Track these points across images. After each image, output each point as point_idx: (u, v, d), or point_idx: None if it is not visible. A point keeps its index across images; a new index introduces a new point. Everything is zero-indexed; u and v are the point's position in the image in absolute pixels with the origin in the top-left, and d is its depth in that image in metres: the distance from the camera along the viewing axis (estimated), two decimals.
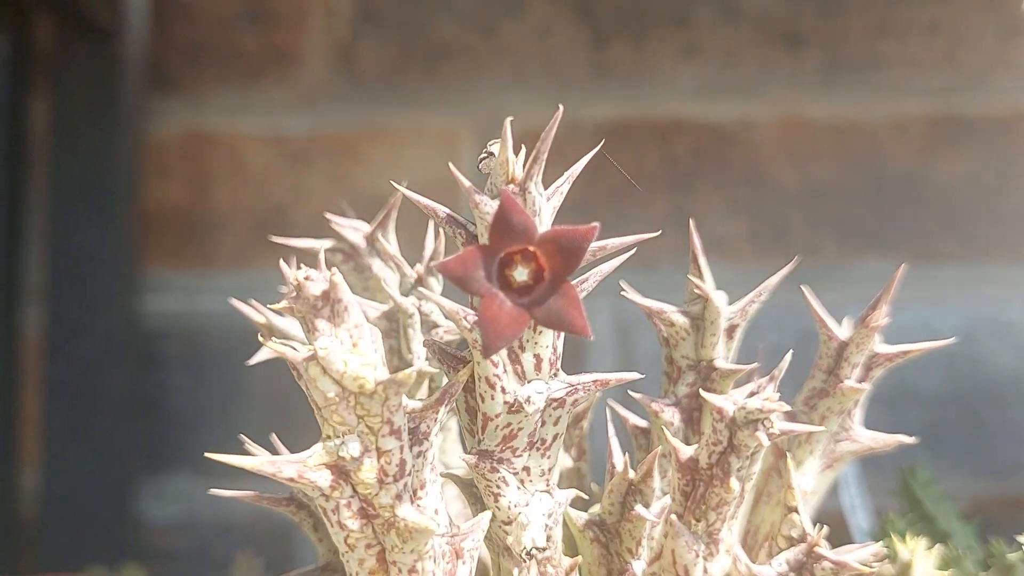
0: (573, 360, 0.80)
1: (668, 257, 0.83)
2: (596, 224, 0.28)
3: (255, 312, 0.40)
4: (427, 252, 0.39)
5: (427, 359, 0.38)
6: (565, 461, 0.42)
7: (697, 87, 0.85)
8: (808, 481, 0.40)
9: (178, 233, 0.87)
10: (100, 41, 0.82)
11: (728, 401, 0.31)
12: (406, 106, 0.87)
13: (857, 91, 0.85)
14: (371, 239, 0.41)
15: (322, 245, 0.41)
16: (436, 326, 0.39)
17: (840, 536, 0.56)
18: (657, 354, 0.40)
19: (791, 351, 0.33)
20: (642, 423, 0.41)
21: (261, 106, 0.87)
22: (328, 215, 0.40)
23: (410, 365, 0.39)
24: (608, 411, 0.39)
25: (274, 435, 0.39)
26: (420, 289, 0.33)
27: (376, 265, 0.41)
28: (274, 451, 0.38)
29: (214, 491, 0.35)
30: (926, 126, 0.85)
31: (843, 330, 0.40)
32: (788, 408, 0.31)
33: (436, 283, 0.39)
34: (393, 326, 0.39)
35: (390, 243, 0.41)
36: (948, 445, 0.83)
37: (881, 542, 0.36)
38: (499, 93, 0.87)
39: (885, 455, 0.42)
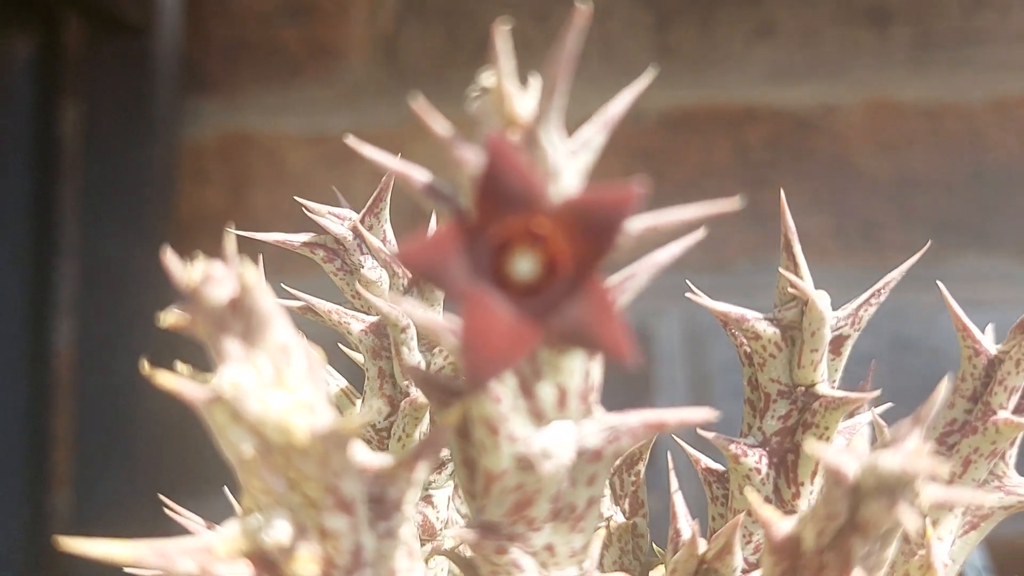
0: (630, 379, 0.69)
1: (743, 258, 0.72)
2: (639, 187, 0.17)
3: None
4: None
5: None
6: (616, 516, 0.31)
7: (772, 71, 0.75)
8: (944, 548, 0.28)
9: (215, 239, 0.77)
10: (132, 41, 0.76)
11: (849, 458, 0.19)
12: (453, 100, 0.76)
13: (952, 70, 0.76)
14: (359, 231, 0.30)
15: (298, 239, 0.31)
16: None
17: None
18: (736, 365, 0.28)
19: (947, 376, 0.21)
20: (717, 466, 0.29)
21: (301, 105, 0.78)
22: (300, 200, 0.30)
23: (405, 394, 0.28)
24: (669, 453, 0.28)
25: (226, 488, 0.28)
26: (380, 290, 0.22)
27: (368, 264, 0.30)
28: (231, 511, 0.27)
29: (130, 571, 0.25)
30: None
31: (988, 339, 0.28)
32: (945, 464, 0.19)
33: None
34: (384, 343, 0.28)
35: (384, 234, 0.30)
36: None
37: None
38: None
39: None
